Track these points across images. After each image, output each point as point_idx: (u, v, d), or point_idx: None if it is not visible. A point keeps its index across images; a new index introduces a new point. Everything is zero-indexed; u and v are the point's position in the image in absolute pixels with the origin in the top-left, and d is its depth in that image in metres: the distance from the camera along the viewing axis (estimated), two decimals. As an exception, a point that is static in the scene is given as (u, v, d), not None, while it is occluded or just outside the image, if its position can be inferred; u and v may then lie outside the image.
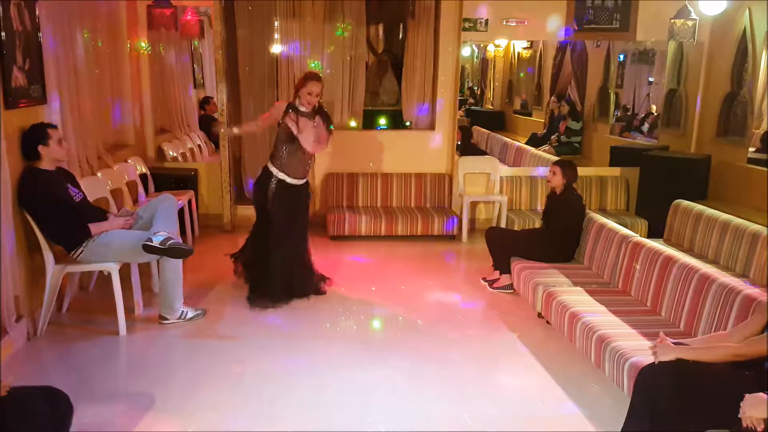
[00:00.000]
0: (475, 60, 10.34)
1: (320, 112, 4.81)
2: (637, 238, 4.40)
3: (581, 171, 5.81)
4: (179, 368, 3.88)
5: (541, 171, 7.04)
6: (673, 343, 2.87)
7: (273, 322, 4.56)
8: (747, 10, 6.22)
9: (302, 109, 4.71)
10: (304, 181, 4.88)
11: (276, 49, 6.94)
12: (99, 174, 5.24)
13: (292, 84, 6.82)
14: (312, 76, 4.73)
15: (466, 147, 7.85)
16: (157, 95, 7.08)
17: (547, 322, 4.46)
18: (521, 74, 9.53)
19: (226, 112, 6.64)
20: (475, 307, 4.98)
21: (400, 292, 5.22)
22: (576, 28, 6.76)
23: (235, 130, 6.07)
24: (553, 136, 8.47)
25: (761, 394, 2.49)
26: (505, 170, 7.10)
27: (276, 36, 6.91)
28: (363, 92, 7.18)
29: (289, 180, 4.75)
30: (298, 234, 4.90)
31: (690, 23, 5.93)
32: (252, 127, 5.55)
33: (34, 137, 4.03)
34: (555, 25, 6.76)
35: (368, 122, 7.37)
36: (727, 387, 2.63)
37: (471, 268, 5.84)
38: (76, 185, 4.35)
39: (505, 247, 5.17)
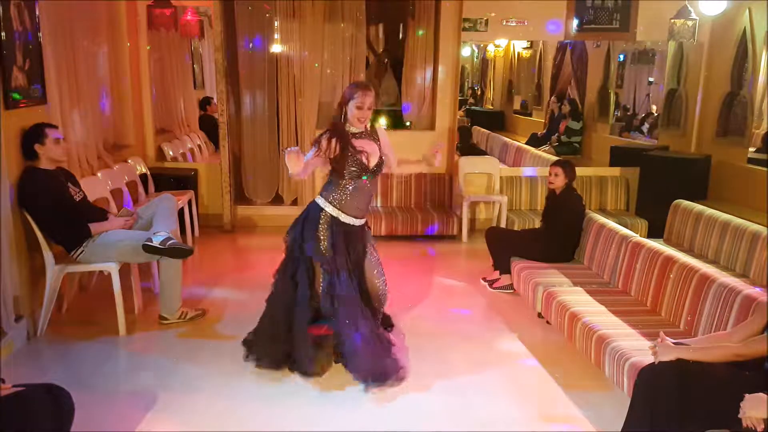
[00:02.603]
0: (475, 60, 10.34)
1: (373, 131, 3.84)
2: (637, 238, 4.40)
3: (581, 171, 5.82)
4: (179, 368, 3.88)
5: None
6: (674, 343, 2.87)
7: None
8: (747, 10, 6.22)
9: (354, 129, 3.73)
10: (363, 221, 3.87)
11: (276, 49, 6.94)
12: (99, 174, 5.24)
13: (291, 84, 6.83)
14: (361, 85, 3.74)
15: (466, 147, 7.86)
16: (157, 95, 7.08)
17: (547, 322, 4.46)
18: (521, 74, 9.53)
19: (226, 112, 6.64)
20: (475, 307, 4.98)
21: (400, 291, 5.21)
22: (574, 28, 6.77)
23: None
24: (553, 136, 8.47)
25: (761, 394, 2.49)
26: (505, 170, 7.10)
27: (276, 36, 6.91)
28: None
29: (344, 218, 3.73)
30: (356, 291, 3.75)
31: (690, 23, 5.93)
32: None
33: (30, 137, 4.04)
34: (554, 25, 6.77)
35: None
36: (727, 387, 2.63)
37: (471, 268, 5.84)
38: (76, 185, 4.35)
39: (505, 247, 5.17)
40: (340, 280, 3.66)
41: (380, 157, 3.79)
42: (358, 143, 3.71)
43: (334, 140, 3.64)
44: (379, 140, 3.82)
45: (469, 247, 6.55)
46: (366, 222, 3.91)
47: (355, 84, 3.79)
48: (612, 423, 3.20)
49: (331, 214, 3.71)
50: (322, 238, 3.68)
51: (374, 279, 3.89)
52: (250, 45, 6.86)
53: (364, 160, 3.69)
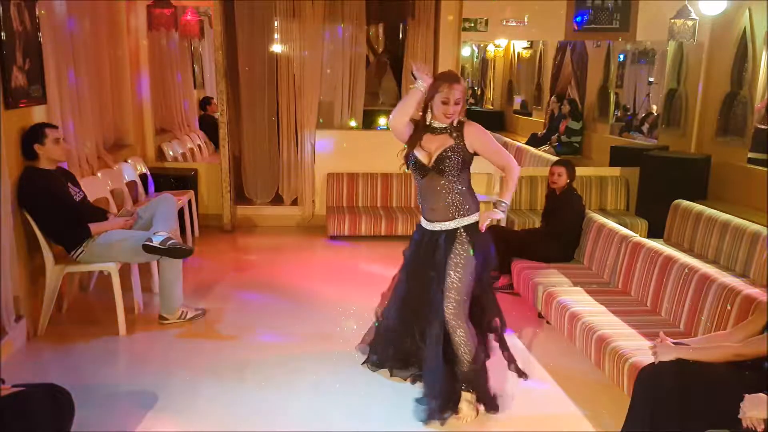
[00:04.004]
0: (475, 60, 10.34)
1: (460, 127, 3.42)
2: (637, 238, 4.40)
3: (581, 171, 5.82)
4: (179, 368, 3.87)
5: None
6: (673, 343, 2.87)
7: (273, 322, 4.56)
8: (747, 10, 6.21)
9: (436, 125, 3.38)
10: (449, 226, 3.47)
11: (276, 49, 6.94)
12: (99, 174, 5.24)
13: (291, 84, 6.83)
14: (447, 78, 3.32)
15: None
16: (157, 95, 7.08)
17: (547, 322, 4.46)
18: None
19: (226, 112, 6.64)
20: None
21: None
22: (576, 27, 6.77)
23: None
24: (553, 136, 8.47)
25: (761, 394, 2.49)
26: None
27: (276, 36, 6.91)
28: (363, 92, 7.16)
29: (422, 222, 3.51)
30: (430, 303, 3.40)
31: (690, 23, 5.93)
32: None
33: (30, 137, 4.04)
34: (555, 26, 6.79)
35: (368, 122, 7.37)
36: (727, 387, 2.63)
37: (471, 268, 5.82)
38: (76, 185, 4.35)
39: (505, 247, 5.16)
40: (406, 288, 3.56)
41: (446, 154, 3.37)
42: (428, 138, 3.39)
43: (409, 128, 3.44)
44: (463, 139, 3.42)
45: (469, 247, 6.54)
46: (458, 229, 3.49)
47: (440, 76, 3.36)
48: (612, 423, 3.20)
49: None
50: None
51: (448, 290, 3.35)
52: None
53: (420, 156, 3.37)
